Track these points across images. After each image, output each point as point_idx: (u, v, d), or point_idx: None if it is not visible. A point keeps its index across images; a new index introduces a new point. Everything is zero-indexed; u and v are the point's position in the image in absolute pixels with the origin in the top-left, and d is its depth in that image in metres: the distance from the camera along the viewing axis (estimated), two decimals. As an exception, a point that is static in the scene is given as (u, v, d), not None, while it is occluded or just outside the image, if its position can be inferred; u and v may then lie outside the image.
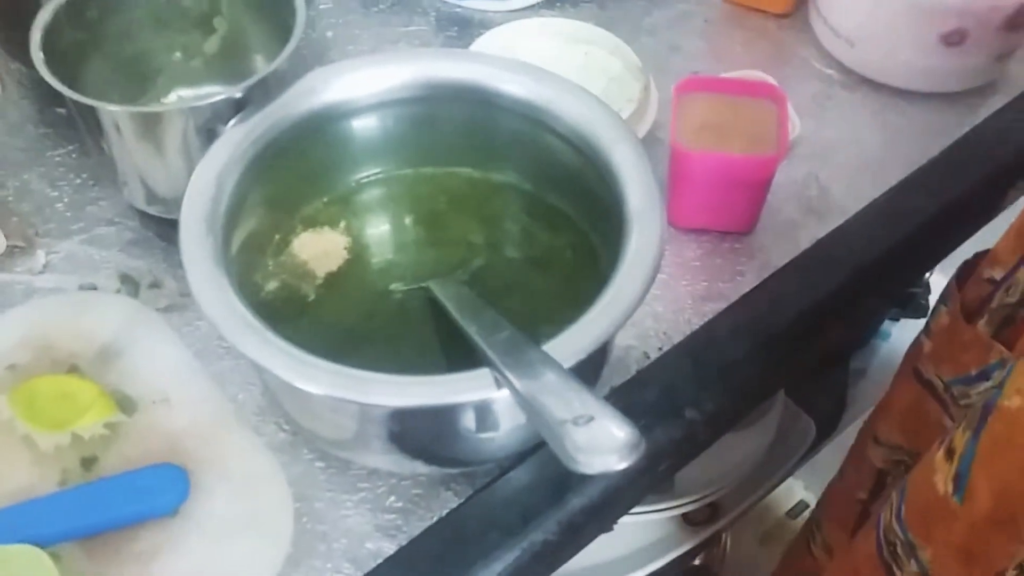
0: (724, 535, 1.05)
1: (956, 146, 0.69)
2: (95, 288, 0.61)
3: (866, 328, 0.77)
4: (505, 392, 0.43)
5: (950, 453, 0.50)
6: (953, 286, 0.61)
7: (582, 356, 0.44)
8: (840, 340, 0.66)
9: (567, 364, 0.43)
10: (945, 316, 0.61)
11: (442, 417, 0.47)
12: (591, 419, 0.38)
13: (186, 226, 0.49)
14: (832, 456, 1.08)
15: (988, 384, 0.55)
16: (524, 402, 0.42)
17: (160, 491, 0.51)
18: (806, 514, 1.30)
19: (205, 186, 0.51)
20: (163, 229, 0.62)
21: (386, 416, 0.47)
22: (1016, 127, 0.70)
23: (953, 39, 0.67)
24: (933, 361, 0.62)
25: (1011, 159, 0.68)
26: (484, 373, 0.44)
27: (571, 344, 0.45)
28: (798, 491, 1.30)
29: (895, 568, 0.55)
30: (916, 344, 0.65)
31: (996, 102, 0.72)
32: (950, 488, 0.50)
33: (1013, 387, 0.46)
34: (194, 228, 0.49)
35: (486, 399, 0.44)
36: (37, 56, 0.55)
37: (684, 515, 0.87)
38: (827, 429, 1.02)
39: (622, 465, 0.36)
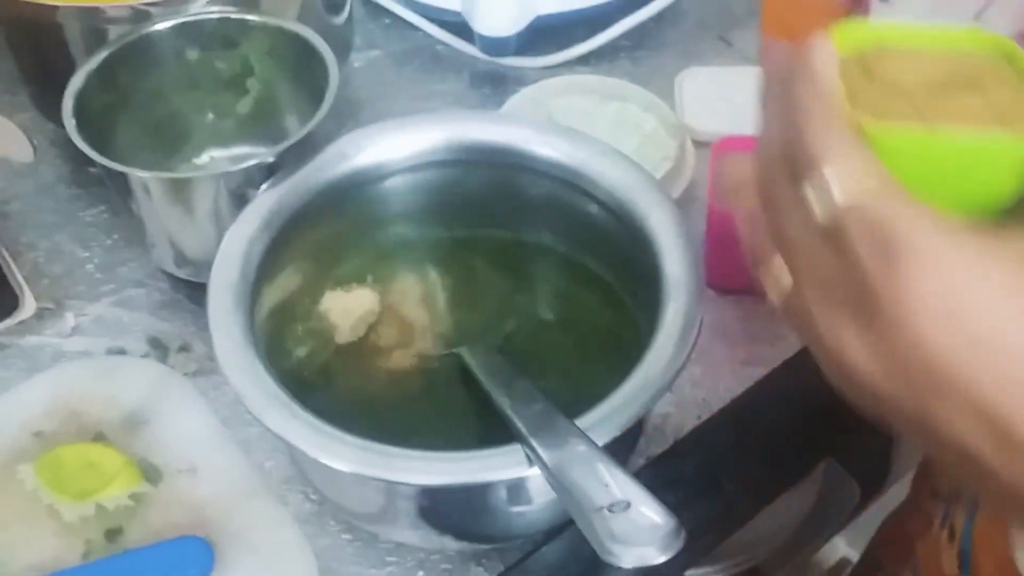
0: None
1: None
2: (124, 352, 0.60)
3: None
4: (537, 470, 0.42)
5: (952, 533, 0.50)
6: None
7: (617, 433, 0.43)
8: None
9: (602, 441, 0.42)
10: None
11: (472, 494, 0.45)
12: (628, 506, 0.36)
13: (215, 295, 0.48)
14: (878, 513, 1.05)
15: None
16: (556, 482, 0.40)
17: (184, 565, 0.50)
18: (848, 572, 1.26)
19: (235, 253, 0.50)
20: (193, 292, 0.62)
21: (414, 492, 0.45)
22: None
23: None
24: None
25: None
26: (516, 450, 0.43)
27: (606, 420, 0.43)
28: (840, 548, 1.26)
29: None
30: None
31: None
32: (955, 567, 0.49)
33: None
34: (223, 297, 0.48)
35: (518, 477, 0.43)
36: (69, 123, 0.55)
37: (723, 581, 0.85)
38: (872, 490, 0.99)
39: (660, 559, 0.35)
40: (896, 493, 0.82)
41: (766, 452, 0.55)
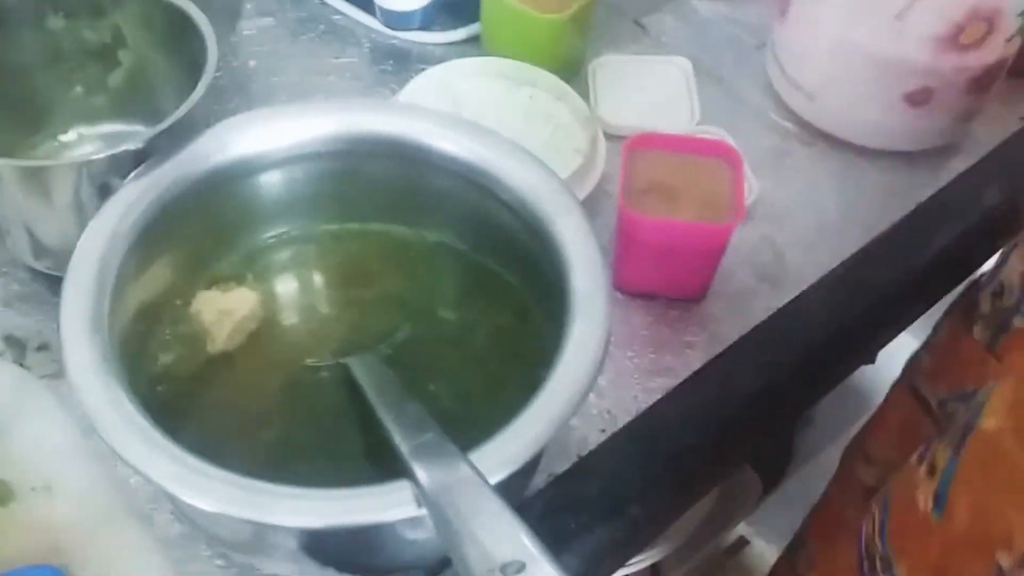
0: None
1: (918, 212, 0.65)
2: (-26, 351, 0.54)
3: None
4: (425, 511, 0.38)
5: (932, 469, 0.49)
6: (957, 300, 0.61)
7: (513, 469, 0.39)
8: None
9: (498, 476, 0.39)
10: (945, 330, 0.60)
11: (355, 532, 0.41)
12: (522, 568, 0.33)
13: (68, 306, 0.43)
14: (777, 497, 1.05)
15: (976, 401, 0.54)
16: (442, 528, 0.37)
17: (34, 599, 0.45)
18: (746, 550, 1.27)
19: (92, 256, 0.45)
20: (54, 283, 0.56)
21: (291, 530, 0.41)
22: (981, 191, 0.66)
23: (918, 98, 0.63)
24: (931, 378, 0.61)
25: (975, 225, 0.65)
26: (404, 487, 0.39)
27: (502, 454, 0.40)
28: (739, 527, 1.26)
29: None
30: (915, 360, 0.64)
31: (957, 163, 0.68)
32: (930, 505, 0.49)
33: (991, 409, 0.46)
34: (77, 308, 0.43)
35: (406, 518, 0.39)
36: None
37: (623, 579, 0.83)
38: (774, 480, 0.99)
39: (555, 634, 0.31)
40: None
41: (671, 471, 0.52)
